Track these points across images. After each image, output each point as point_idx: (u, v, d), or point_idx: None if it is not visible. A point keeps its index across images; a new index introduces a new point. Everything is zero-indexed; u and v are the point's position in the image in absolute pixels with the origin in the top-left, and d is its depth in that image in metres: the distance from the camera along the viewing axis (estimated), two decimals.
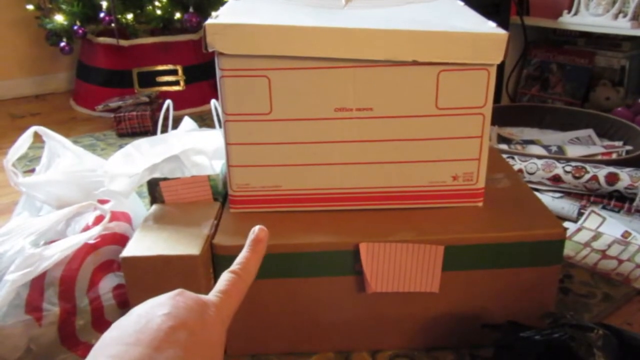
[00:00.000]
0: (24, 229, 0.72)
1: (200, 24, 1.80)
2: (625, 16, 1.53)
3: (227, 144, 0.73)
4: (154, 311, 0.36)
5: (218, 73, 0.69)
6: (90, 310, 0.72)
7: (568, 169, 1.13)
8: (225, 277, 0.41)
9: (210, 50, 0.67)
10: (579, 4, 1.64)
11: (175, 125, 1.02)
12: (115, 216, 0.78)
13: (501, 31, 0.66)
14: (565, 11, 1.66)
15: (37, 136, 0.82)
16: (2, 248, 0.70)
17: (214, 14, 0.70)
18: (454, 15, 0.77)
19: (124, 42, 1.87)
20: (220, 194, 0.80)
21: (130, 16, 1.84)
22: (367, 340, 0.76)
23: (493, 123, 1.02)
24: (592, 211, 1.08)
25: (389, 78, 0.68)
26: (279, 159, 0.73)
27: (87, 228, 0.75)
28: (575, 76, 1.78)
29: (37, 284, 0.69)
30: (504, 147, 1.38)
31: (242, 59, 0.67)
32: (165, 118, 0.98)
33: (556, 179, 1.14)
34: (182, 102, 1.86)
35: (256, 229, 0.45)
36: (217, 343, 0.37)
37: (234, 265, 0.42)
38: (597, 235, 1.02)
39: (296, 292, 0.72)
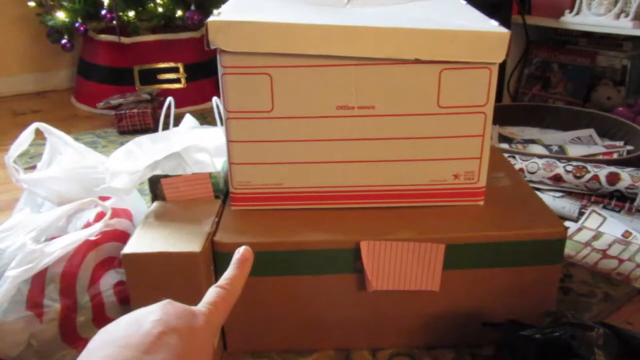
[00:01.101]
0: (25, 226, 0.72)
1: (201, 22, 1.80)
2: (627, 16, 1.53)
3: (229, 141, 0.73)
4: (145, 317, 0.37)
5: (220, 70, 0.69)
6: (91, 306, 0.72)
7: (569, 168, 1.13)
8: (213, 290, 0.43)
9: (212, 47, 0.67)
10: (580, 3, 1.64)
11: (177, 123, 1.02)
12: (116, 213, 0.78)
13: (503, 30, 0.66)
14: (567, 11, 1.66)
15: (38, 133, 0.82)
16: (4, 244, 0.70)
17: (215, 11, 0.70)
18: (456, 13, 0.77)
19: (125, 40, 1.87)
20: (222, 191, 0.80)
21: (131, 13, 1.84)
22: (367, 338, 0.76)
23: (494, 122, 1.02)
24: (593, 211, 1.08)
25: (391, 76, 0.68)
26: (281, 157, 0.73)
27: (88, 225, 0.75)
28: (576, 76, 1.78)
29: (38, 280, 0.69)
30: (505, 146, 1.38)
31: (244, 56, 0.68)
32: (167, 115, 0.98)
33: (557, 179, 1.14)
34: (183, 100, 1.85)
35: (241, 249, 0.47)
36: (205, 351, 0.39)
37: (222, 281, 0.44)
38: (597, 235, 1.02)
39: (297, 290, 0.72)
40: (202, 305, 0.41)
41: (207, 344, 0.39)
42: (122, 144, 0.88)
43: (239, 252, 0.46)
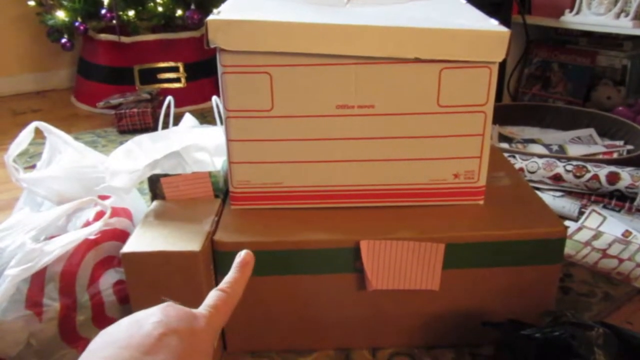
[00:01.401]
0: (25, 225, 0.72)
1: (201, 21, 1.80)
2: (627, 15, 1.53)
3: (228, 140, 0.73)
4: (146, 319, 0.38)
5: (219, 69, 0.69)
6: (90, 305, 0.72)
7: (569, 168, 1.13)
8: (214, 293, 0.43)
9: (212, 46, 0.67)
10: (580, 3, 1.64)
11: (176, 123, 1.02)
12: (115, 212, 0.78)
13: (503, 29, 0.66)
14: (567, 10, 1.66)
15: (38, 132, 0.82)
16: (3, 243, 0.70)
17: (215, 10, 0.70)
18: (456, 13, 0.77)
19: (125, 39, 1.87)
20: (221, 190, 0.80)
21: (131, 13, 1.84)
22: (367, 338, 0.76)
23: (494, 122, 1.02)
24: (593, 210, 1.08)
25: (391, 75, 0.68)
26: (280, 156, 0.73)
27: (87, 224, 0.75)
28: (576, 75, 1.78)
29: (38, 279, 0.69)
30: (505, 146, 1.38)
31: (244, 55, 0.67)
32: (167, 115, 0.98)
33: (557, 178, 1.14)
34: (183, 99, 1.85)
35: (242, 253, 0.47)
36: (205, 353, 0.39)
37: (223, 284, 0.44)
38: (597, 235, 1.02)
39: (297, 290, 0.72)
40: (203, 308, 0.42)
41: (207, 346, 0.39)
42: (121, 143, 0.88)
43: (240, 255, 0.47)
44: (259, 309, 0.73)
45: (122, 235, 0.76)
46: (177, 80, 1.93)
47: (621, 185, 1.09)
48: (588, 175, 1.11)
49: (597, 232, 1.03)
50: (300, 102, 0.70)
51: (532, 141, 1.45)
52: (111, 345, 0.35)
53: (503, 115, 1.55)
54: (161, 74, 1.91)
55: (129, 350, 0.34)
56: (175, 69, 1.92)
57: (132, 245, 0.68)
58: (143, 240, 0.69)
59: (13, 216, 0.78)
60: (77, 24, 1.85)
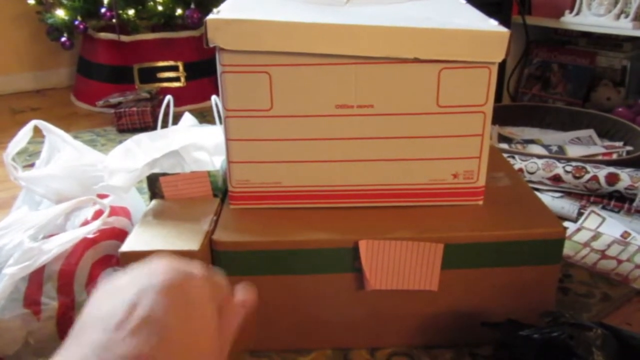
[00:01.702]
0: (24, 223, 0.72)
1: (201, 21, 1.80)
2: (627, 16, 1.53)
3: (228, 140, 0.73)
4: (130, 287, 0.34)
5: (219, 69, 0.69)
6: None
7: (568, 168, 1.13)
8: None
9: (211, 45, 0.66)
10: (580, 3, 1.63)
11: (176, 122, 1.02)
12: (114, 211, 0.78)
13: (503, 29, 0.66)
14: (567, 11, 1.66)
15: (37, 131, 0.82)
16: (1, 242, 0.70)
17: (215, 9, 0.70)
18: (455, 13, 0.77)
19: (125, 38, 1.87)
20: (220, 190, 0.79)
21: (131, 12, 1.83)
22: (366, 338, 0.76)
23: (494, 122, 1.02)
24: (592, 211, 1.08)
25: (390, 75, 0.68)
26: (280, 156, 0.73)
27: (86, 222, 0.75)
28: (576, 76, 1.78)
29: (36, 278, 0.69)
30: (504, 146, 1.38)
31: (243, 54, 0.67)
32: (166, 114, 0.98)
33: (556, 179, 1.14)
34: (182, 98, 1.85)
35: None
36: (206, 333, 0.35)
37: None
38: (596, 235, 1.02)
39: (295, 289, 0.72)
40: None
41: (207, 323, 0.35)
42: (121, 142, 0.88)
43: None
44: (257, 309, 0.73)
45: (121, 234, 0.76)
46: (177, 79, 1.93)
47: (620, 186, 1.09)
48: (587, 176, 1.11)
49: (596, 233, 1.03)
50: (299, 101, 0.70)
51: (532, 142, 1.45)
52: (99, 329, 0.31)
53: (503, 115, 1.55)
54: (161, 73, 1.91)
55: (107, 333, 0.31)
56: (174, 68, 1.92)
57: (130, 244, 0.68)
58: (142, 239, 0.69)
59: (11, 214, 0.78)
60: (76, 22, 1.85)
